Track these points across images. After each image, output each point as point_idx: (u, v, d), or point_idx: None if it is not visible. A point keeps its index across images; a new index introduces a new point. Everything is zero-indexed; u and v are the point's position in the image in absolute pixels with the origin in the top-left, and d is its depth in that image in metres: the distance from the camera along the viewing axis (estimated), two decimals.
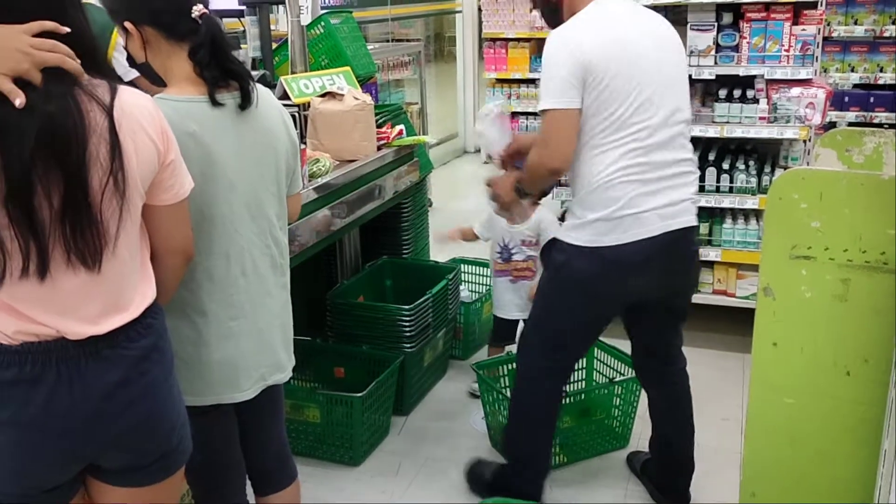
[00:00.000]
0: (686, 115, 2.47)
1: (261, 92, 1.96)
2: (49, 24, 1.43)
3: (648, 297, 2.56)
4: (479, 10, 7.92)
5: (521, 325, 3.27)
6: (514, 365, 2.79)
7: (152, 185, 1.59)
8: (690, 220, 2.46)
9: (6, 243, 1.40)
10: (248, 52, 3.75)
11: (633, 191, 2.33)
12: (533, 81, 5.33)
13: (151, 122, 1.56)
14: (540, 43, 3.72)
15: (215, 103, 1.85)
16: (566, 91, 2.28)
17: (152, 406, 1.61)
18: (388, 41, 7.03)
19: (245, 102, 1.90)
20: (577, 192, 2.43)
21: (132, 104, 1.53)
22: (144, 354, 1.58)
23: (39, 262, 1.43)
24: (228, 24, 3.94)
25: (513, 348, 3.28)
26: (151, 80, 1.95)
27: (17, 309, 1.46)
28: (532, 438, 2.76)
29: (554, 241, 2.54)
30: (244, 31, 3.82)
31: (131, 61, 1.94)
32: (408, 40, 7.33)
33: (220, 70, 1.86)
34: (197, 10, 1.84)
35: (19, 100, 1.36)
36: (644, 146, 2.33)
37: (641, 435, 3.22)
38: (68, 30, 1.45)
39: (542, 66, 2.35)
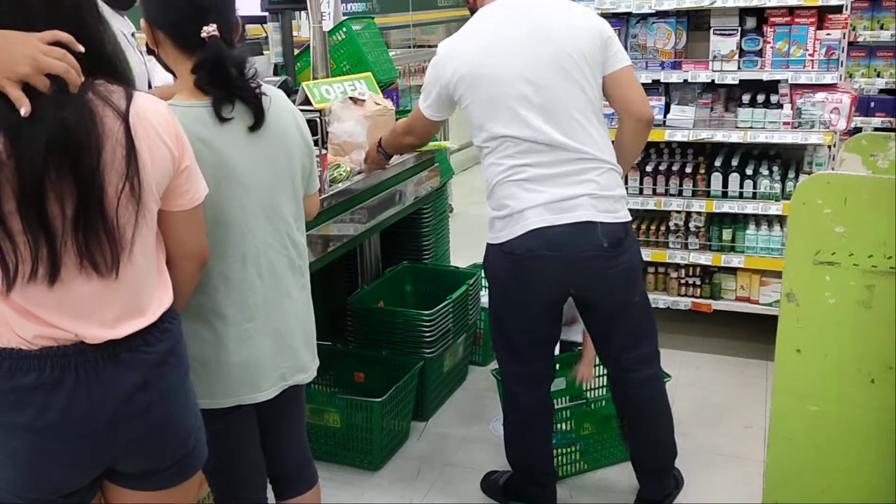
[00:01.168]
0: (577, 114, 2.43)
1: (272, 94, 1.96)
2: (64, 37, 1.42)
3: (565, 294, 2.58)
4: None
5: None
6: None
7: (167, 191, 1.59)
8: (589, 214, 2.42)
9: (20, 248, 1.41)
10: (270, 58, 3.77)
11: (518, 188, 2.45)
12: None
13: (167, 127, 1.56)
14: None
15: (221, 119, 1.83)
16: (438, 107, 2.66)
17: (169, 410, 1.61)
18: (409, 47, 7.05)
19: (256, 125, 1.89)
20: (487, 195, 2.59)
21: (147, 109, 1.53)
22: (162, 359, 1.59)
23: (49, 267, 1.43)
24: (251, 30, 3.96)
25: None
26: (164, 67, 1.95)
27: (35, 313, 1.46)
28: (521, 445, 2.78)
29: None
30: (266, 37, 3.85)
31: (149, 47, 1.94)
32: (429, 46, 7.34)
33: (223, 92, 1.84)
34: (207, 30, 1.80)
35: (24, 108, 1.35)
36: (524, 150, 2.43)
37: None
38: (83, 49, 1.43)
39: (428, 72, 2.62)
